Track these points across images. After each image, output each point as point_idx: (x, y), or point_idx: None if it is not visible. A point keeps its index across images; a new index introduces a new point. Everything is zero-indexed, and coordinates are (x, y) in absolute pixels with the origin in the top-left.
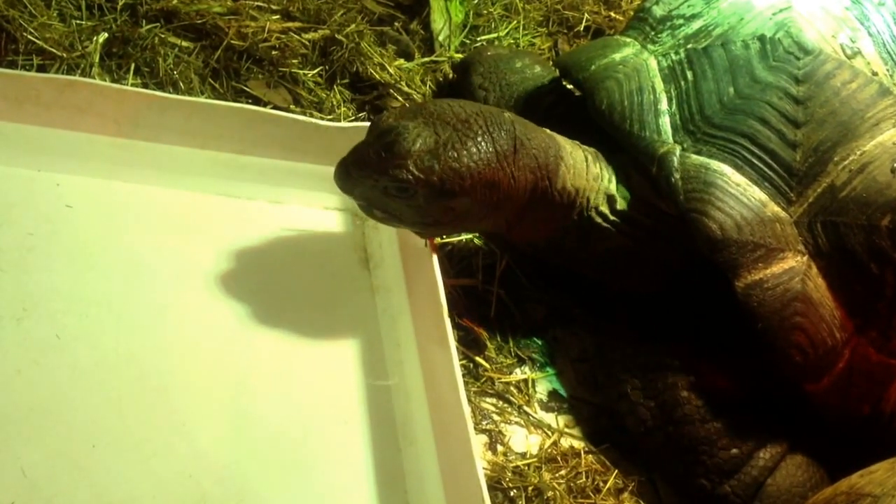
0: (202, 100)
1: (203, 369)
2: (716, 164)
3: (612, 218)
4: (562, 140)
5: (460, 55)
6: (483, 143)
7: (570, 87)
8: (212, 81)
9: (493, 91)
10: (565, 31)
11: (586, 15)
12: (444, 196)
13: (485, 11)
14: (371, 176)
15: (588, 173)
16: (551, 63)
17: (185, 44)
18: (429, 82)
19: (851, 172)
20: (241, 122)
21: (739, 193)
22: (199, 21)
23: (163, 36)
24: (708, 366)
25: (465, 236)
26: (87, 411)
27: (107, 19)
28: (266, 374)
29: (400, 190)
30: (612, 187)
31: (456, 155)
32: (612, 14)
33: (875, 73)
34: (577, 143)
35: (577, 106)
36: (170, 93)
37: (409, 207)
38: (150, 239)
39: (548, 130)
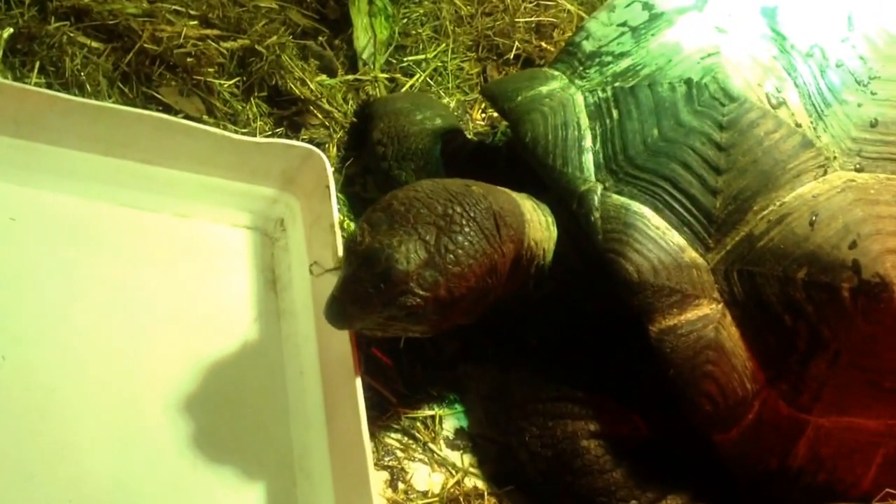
0: (109, 104)
1: (90, 388)
2: (636, 206)
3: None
4: (513, 195)
5: (385, 75)
6: (472, 234)
7: (472, 133)
8: (121, 85)
9: (391, 146)
10: (495, 57)
11: (517, 43)
12: (454, 302)
13: (413, 32)
14: (375, 311)
15: (541, 223)
16: (479, 90)
17: (94, 44)
18: (351, 101)
19: (770, 223)
20: (150, 130)
21: (658, 237)
22: (112, 21)
23: (72, 35)
24: (611, 413)
25: None
26: None
27: (13, 14)
28: (158, 396)
29: (409, 314)
30: (555, 232)
31: (454, 258)
32: (543, 44)
33: (799, 125)
34: (521, 193)
35: (478, 152)
36: (75, 95)
37: (417, 322)
38: (43, 248)
39: (504, 189)
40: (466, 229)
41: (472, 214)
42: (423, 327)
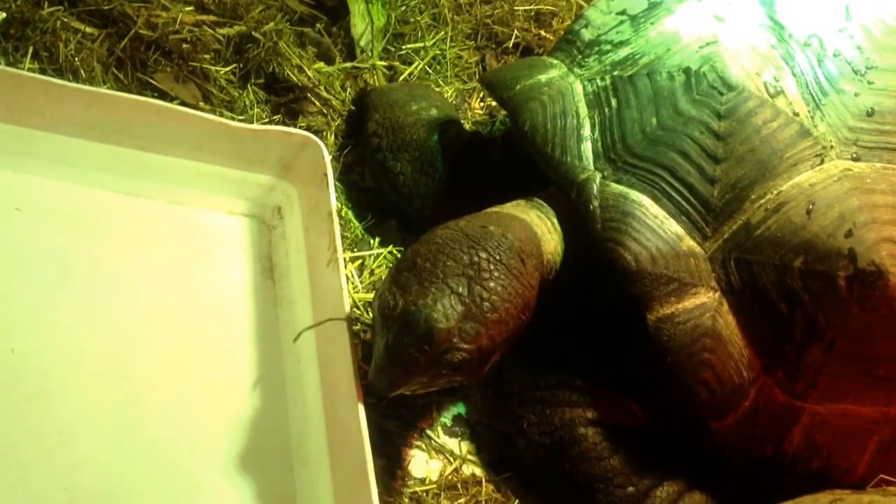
0: (104, 90)
1: (87, 375)
2: (635, 195)
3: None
4: (521, 213)
5: (383, 62)
6: (502, 277)
7: (471, 123)
8: (115, 71)
9: (386, 137)
10: (494, 46)
11: (516, 31)
12: (496, 347)
13: (412, 19)
14: (422, 373)
15: (549, 231)
16: (478, 79)
17: (89, 30)
18: (349, 88)
19: (767, 211)
20: (145, 116)
21: (656, 226)
22: (106, 7)
23: (66, 20)
24: (609, 401)
25: (376, 249)
26: None
27: None
28: (155, 383)
29: (455, 368)
30: (560, 231)
31: (490, 305)
32: (542, 32)
33: (796, 114)
34: (521, 202)
35: (474, 143)
36: (69, 80)
37: (460, 373)
38: (37, 234)
39: (512, 212)
40: (496, 273)
41: (497, 257)
42: (466, 375)
